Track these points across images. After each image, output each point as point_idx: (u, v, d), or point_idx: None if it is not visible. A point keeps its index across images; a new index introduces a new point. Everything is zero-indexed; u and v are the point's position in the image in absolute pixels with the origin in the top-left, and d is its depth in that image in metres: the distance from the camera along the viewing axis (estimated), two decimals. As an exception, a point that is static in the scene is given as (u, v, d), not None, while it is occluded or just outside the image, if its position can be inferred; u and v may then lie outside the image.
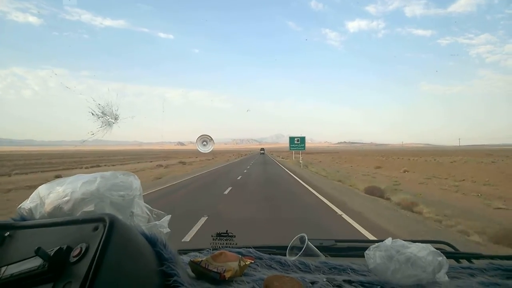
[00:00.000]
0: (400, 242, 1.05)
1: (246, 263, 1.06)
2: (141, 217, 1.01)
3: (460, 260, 1.38)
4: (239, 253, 1.16)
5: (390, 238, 1.07)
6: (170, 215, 1.08)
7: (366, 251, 1.07)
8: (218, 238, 1.37)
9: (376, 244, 1.07)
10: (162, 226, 1.02)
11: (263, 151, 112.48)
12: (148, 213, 1.05)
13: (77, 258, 0.67)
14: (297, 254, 1.18)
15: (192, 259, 1.03)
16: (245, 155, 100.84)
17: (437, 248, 1.08)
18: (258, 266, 1.14)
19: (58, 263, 0.68)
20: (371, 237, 6.43)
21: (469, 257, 1.40)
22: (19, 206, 0.97)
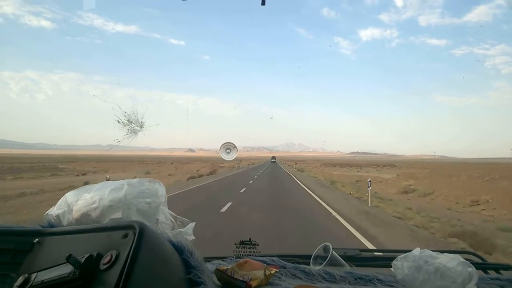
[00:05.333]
0: (428, 252, 1.03)
1: (271, 272, 1.05)
2: (166, 224, 1.01)
3: (487, 271, 1.34)
4: (262, 261, 1.15)
5: (418, 248, 1.05)
6: (195, 222, 1.08)
7: (394, 262, 1.05)
8: (241, 246, 1.36)
9: (404, 254, 1.05)
10: (187, 233, 1.02)
11: (274, 160, 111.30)
12: (172, 220, 1.04)
13: (108, 265, 0.67)
14: (321, 263, 1.16)
15: (217, 267, 1.02)
16: (233, 168, 48.95)
17: (464, 259, 1.06)
18: (282, 275, 1.12)
19: (88, 270, 0.67)
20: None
21: (497, 267, 1.36)
22: (46, 213, 0.97)
